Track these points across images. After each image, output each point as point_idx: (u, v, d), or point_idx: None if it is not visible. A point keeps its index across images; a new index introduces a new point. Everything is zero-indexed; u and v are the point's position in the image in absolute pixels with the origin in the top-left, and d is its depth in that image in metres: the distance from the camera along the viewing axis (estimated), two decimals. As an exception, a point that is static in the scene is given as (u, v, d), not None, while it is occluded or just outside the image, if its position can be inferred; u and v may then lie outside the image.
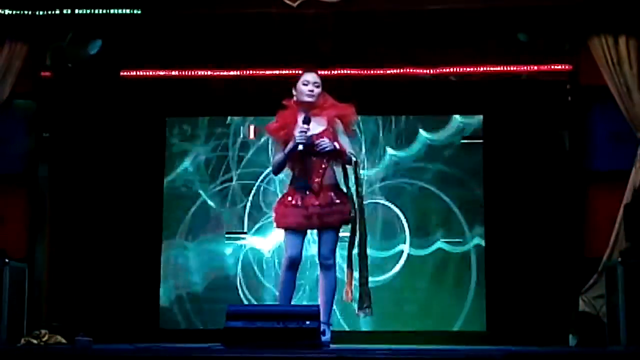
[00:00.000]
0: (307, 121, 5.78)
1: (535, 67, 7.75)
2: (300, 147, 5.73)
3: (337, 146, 5.80)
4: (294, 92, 5.98)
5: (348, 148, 5.86)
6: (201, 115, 8.59)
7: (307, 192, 5.81)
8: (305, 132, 5.75)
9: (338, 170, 5.96)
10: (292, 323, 5.34)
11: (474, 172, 8.23)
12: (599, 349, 6.54)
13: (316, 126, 5.86)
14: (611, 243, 7.05)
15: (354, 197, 5.84)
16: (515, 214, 8.18)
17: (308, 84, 5.89)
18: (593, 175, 7.24)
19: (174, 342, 6.33)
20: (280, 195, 6.17)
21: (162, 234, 8.37)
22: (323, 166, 5.84)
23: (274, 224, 6.01)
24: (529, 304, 8.02)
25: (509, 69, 7.85)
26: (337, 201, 5.83)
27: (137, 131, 8.51)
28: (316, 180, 5.81)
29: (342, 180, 5.93)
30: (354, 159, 5.86)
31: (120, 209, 8.39)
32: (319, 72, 6.06)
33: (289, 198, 5.86)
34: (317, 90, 5.89)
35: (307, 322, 5.38)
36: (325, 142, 5.78)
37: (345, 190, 5.89)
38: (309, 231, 5.95)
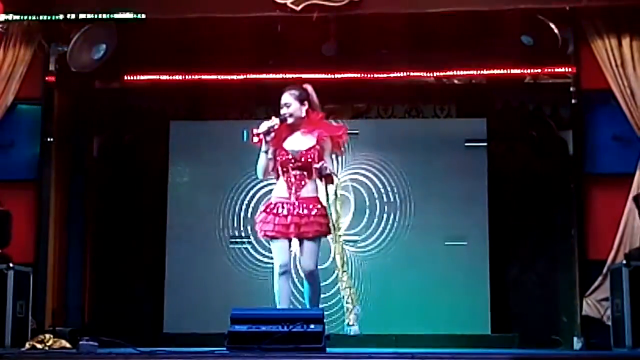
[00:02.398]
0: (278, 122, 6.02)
1: (539, 70, 7.75)
2: (254, 131, 6.00)
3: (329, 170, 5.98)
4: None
5: (329, 167, 6.02)
6: (205, 119, 8.61)
7: (288, 202, 6.01)
8: (269, 128, 5.98)
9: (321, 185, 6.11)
10: (296, 327, 5.35)
11: (477, 174, 8.22)
12: (603, 351, 6.53)
13: (305, 142, 6.06)
14: (615, 245, 7.04)
15: (332, 214, 6.04)
16: (518, 216, 8.19)
17: (283, 106, 6.10)
18: (596, 178, 7.23)
19: (178, 346, 6.32)
20: (263, 205, 6.32)
21: (166, 238, 8.37)
22: (306, 180, 6.04)
23: (258, 233, 6.19)
24: (533, 307, 8.02)
25: (512, 71, 7.85)
26: (315, 212, 6.00)
27: (141, 135, 8.54)
28: (297, 191, 6.02)
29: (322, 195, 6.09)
30: (336, 180, 6.08)
31: (125, 213, 8.41)
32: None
33: (271, 207, 6.07)
34: (289, 110, 6.07)
35: (312, 326, 5.39)
36: (324, 166, 5.95)
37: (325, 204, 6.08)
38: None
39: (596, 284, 7.08)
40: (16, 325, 6.69)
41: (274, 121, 6.01)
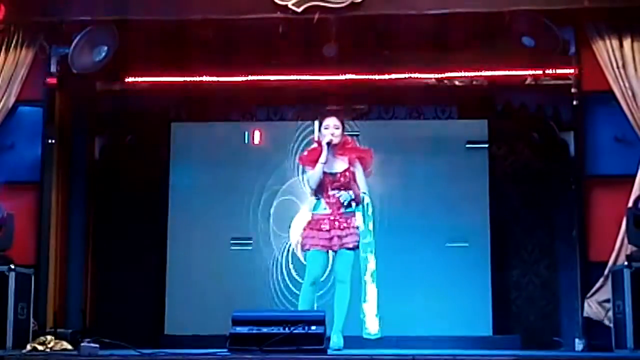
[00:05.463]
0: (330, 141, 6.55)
1: (540, 71, 7.74)
2: (328, 141, 6.49)
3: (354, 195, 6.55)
4: (318, 135, 6.72)
5: (362, 188, 6.57)
6: (206, 120, 8.61)
7: (329, 218, 6.48)
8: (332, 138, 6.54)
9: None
10: (297, 328, 5.34)
11: (479, 176, 8.22)
12: (605, 353, 6.53)
13: (341, 164, 6.56)
14: (617, 247, 7.03)
15: (365, 230, 6.52)
16: (520, 217, 8.19)
17: (329, 127, 6.56)
18: (597, 179, 7.23)
19: (180, 348, 6.33)
20: (305, 221, 6.68)
21: (167, 239, 8.38)
22: (342, 197, 6.51)
23: (300, 247, 6.67)
24: (535, 308, 8.02)
25: (513, 73, 7.84)
26: (353, 225, 6.50)
27: (142, 136, 8.54)
28: (336, 208, 6.48)
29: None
30: (366, 200, 6.56)
31: (126, 214, 8.41)
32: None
33: (315, 223, 6.53)
34: (337, 132, 6.55)
35: (313, 328, 5.38)
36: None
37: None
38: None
39: (598, 285, 7.07)
40: (17, 327, 6.70)
41: (329, 137, 6.52)
